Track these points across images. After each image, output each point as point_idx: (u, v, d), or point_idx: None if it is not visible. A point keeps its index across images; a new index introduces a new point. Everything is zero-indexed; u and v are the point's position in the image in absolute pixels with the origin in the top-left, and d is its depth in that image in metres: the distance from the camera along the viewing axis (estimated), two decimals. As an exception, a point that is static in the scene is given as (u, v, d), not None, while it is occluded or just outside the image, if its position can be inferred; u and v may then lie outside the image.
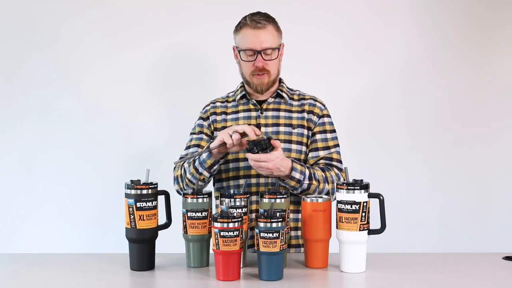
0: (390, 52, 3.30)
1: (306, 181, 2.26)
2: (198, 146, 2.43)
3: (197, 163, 2.29)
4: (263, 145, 2.16)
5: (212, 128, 2.46)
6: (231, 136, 2.17)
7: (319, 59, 3.26)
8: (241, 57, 2.38)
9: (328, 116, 2.46)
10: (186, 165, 2.34)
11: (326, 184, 2.30)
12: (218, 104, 2.50)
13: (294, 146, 2.39)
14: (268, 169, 2.17)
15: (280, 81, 2.49)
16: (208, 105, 2.51)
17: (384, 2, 3.30)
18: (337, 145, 2.43)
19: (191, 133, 2.49)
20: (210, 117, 2.48)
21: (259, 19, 2.35)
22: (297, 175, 2.24)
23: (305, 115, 2.43)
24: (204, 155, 2.27)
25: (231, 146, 2.19)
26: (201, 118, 2.50)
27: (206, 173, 2.29)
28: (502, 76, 3.33)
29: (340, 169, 2.38)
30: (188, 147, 2.45)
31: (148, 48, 3.25)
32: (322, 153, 2.40)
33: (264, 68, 2.35)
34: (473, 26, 3.31)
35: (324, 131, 2.43)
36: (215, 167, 2.29)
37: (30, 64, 3.24)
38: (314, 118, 2.43)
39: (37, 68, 3.24)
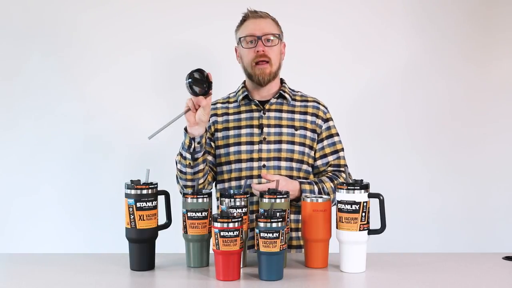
0: (390, 52, 3.30)
1: (313, 195, 2.27)
2: None
3: (180, 149, 2.29)
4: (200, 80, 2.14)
5: (213, 130, 2.46)
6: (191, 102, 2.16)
7: (319, 59, 3.26)
8: (242, 45, 2.39)
9: (332, 119, 2.48)
10: (176, 157, 2.33)
11: (336, 193, 2.30)
12: (218, 105, 2.50)
13: (297, 147, 2.39)
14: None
15: (282, 81, 2.49)
16: None
17: (384, 2, 3.30)
18: (343, 149, 2.46)
19: None
20: (210, 119, 2.48)
21: (260, 11, 2.40)
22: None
23: (308, 117, 2.43)
24: (183, 137, 2.25)
25: (193, 108, 2.17)
26: None
27: (188, 155, 2.25)
28: (502, 76, 3.33)
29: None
30: None
31: (150, 47, 3.25)
32: (330, 158, 2.42)
33: (265, 54, 2.35)
34: (473, 26, 3.31)
35: (331, 136, 2.44)
36: (193, 147, 2.23)
37: (31, 64, 3.24)
38: (319, 121, 2.43)
39: (38, 68, 3.24)
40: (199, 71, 2.18)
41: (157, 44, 3.24)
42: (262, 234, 1.92)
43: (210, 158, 2.44)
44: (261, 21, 2.37)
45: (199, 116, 2.17)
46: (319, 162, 2.43)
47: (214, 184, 2.49)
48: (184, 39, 3.26)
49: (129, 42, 3.24)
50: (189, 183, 2.29)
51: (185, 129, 2.24)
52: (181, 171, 2.30)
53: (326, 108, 2.48)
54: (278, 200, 2.08)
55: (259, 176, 2.36)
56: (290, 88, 2.50)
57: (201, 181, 2.32)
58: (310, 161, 2.43)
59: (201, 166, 2.29)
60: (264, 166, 2.36)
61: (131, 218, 2.06)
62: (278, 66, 2.41)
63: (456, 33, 3.31)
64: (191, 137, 2.22)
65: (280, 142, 2.38)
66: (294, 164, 2.37)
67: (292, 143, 2.39)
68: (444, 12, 3.31)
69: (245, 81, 2.49)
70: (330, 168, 2.42)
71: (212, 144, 2.46)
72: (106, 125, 3.26)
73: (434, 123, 3.32)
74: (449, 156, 3.33)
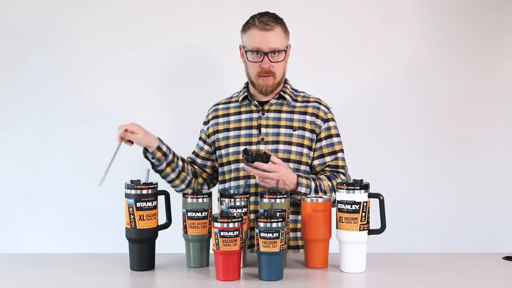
0: (391, 53, 3.29)
1: (313, 195, 2.27)
2: (193, 152, 2.54)
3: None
4: (260, 159, 2.16)
5: (211, 131, 2.47)
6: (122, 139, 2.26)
7: (320, 60, 3.26)
8: (248, 57, 2.37)
9: (333, 119, 2.45)
10: None
11: (333, 193, 2.30)
12: (220, 106, 2.51)
13: (294, 148, 2.38)
14: (273, 179, 2.17)
15: (285, 81, 2.48)
16: (210, 108, 2.53)
17: (385, 3, 3.29)
18: (342, 150, 2.43)
19: None
20: (210, 121, 2.49)
21: (267, 21, 2.33)
22: (303, 190, 2.25)
23: (308, 117, 2.42)
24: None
25: (121, 141, 2.26)
26: (203, 122, 2.54)
27: (155, 170, 2.35)
28: (503, 77, 3.33)
29: (345, 174, 2.37)
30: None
31: (150, 47, 3.24)
32: (328, 159, 2.41)
33: (270, 70, 2.35)
34: (474, 27, 3.31)
35: (330, 136, 2.42)
36: (153, 161, 2.33)
37: (31, 64, 3.24)
38: (319, 121, 2.42)
39: (38, 68, 3.24)
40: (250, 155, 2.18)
41: (157, 44, 3.24)
42: (262, 234, 1.92)
43: (199, 160, 2.50)
44: (269, 34, 2.33)
45: (135, 139, 2.26)
46: (316, 162, 2.42)
47: (209, 183, 2.52)
48: (186, 39, 3.25)
49: (129, 41, 3.24)
50: (176, 189, 2.42)
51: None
52: (167, 182, 2.42)
53: (328, 109, 2.46)
54: (278, 200, 2.08)
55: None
56: (292, 89, 2.49)
57: (182, 186, 2.40)
58: (309, 161, 2.42)
59: (172, 175, 2.37)
60: None
61: (131, 218, 2.06)
62: (282, 76, 2.41)
63: (457, 34, 3.30)
64: (145, 154, 2.33)
65: (277, 142, 2.38)
66: (292, 165, 2.37)
67: (290, 143, 2.39)
68: (444, 13, 3.30)
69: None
70: (328, 169, 2.41)
71: (206, 147, 2.49)
72: (107, 124, 3.24)
73: (434, 124, 3.32)
74: (449, 157, 3.33)
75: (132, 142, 2.27)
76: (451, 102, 3.32)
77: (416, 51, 3.30)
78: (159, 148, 2.30)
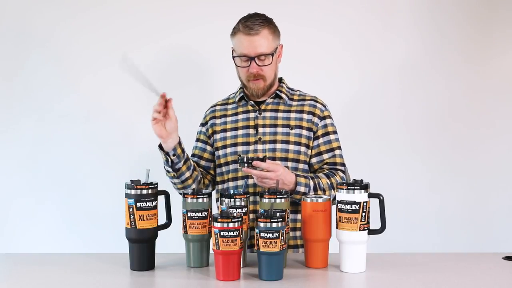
0: (389, 52, 3.29)
1: (312, 193, 2.27)
2: (193, 155, 2.50)
3: (163, 164, 2.34)
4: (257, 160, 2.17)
5: (210, 132, 2.47)
6: (154, 119, 2.23)
7: (319, 60, 3.26)
8: (236, 62, 2.38)
9: (330, 117, 2.45)
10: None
11: (332, 190, 2.30)
12: (217, 107, 2.50)
13: (291, 147, 2.38)
14: (271, 179, 2.16)
15: (281, 80, 2.48)
16: (208, 110, 2.53)
17: (383, 2, 3.29)
18: (339, 147, 2.43)
19: None
20: (208, 122, 2.49)
21: (252, 25, 2.32)
22: (302, 189, 2.25)
23: (305, 115, 2.42)
24: (161, 154, 2.32)
25: (160, 118, 2.23)
26: (201, 124, 2.53)
27: (169, 169, 2.31)
28: (502, 76, 3.33)
29: (344, 172, 2.37)
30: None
31: (147, 48, 3.24)
32: (326, 157, 2.40)
33: (258, 73, 2.34)
34: (473, 26, 3.31)
35: (327, 133, 2.42)
36: (171, 159, 2.28)
37: (30, 64, 3.24)
38: (315, 119, 2.42)
39: (37, 68, 3.24)
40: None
41: (156, 44, 3.23)
42: (262, 234, 1.92)
43: (203, 162, 2.48)
44: (255, 39, 2.31)
45: (170, 127, 2.23)
46: (314, 160, 2.42)
47: (214, 185, 2.51)
48: (181, 41, 3.25)
49: (128, 42, 3.23)
50: (183, 191, 2.33)
51: (159, 146, 2.29)
52: (171, 182, 2.37)
53: (325, 106, 2.46)
54: (278, 200, 2.08)
55: None
56: (288, 87, 2.49)
57: (193, 186, 2.34)
58: (307, 160, 2.42)
59: (187, 174, 2.34)
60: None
61: (131, 218, 2.06)
62: (273, 78, 2.40)
63: (456, 33, 3.30)
64: (165, 153, 2.28)
65: (275, 142, 2.38)
66: (290, 164, 2.37)
67: (287, 142, 2.39)
68: (443, 12, 3.30)
69: (243, 81, 2.49)
70: (326, 166, 2.41)
71: (208, 148, 2.48)
72: (106, 125, 3.26)
73: (434, 123, 3.32)
74: (449, 156, 3.33)
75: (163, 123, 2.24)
76: (450, 101, 3.32)
77: (415, 50, 3.30)
78: (179, 144, 2.29)
